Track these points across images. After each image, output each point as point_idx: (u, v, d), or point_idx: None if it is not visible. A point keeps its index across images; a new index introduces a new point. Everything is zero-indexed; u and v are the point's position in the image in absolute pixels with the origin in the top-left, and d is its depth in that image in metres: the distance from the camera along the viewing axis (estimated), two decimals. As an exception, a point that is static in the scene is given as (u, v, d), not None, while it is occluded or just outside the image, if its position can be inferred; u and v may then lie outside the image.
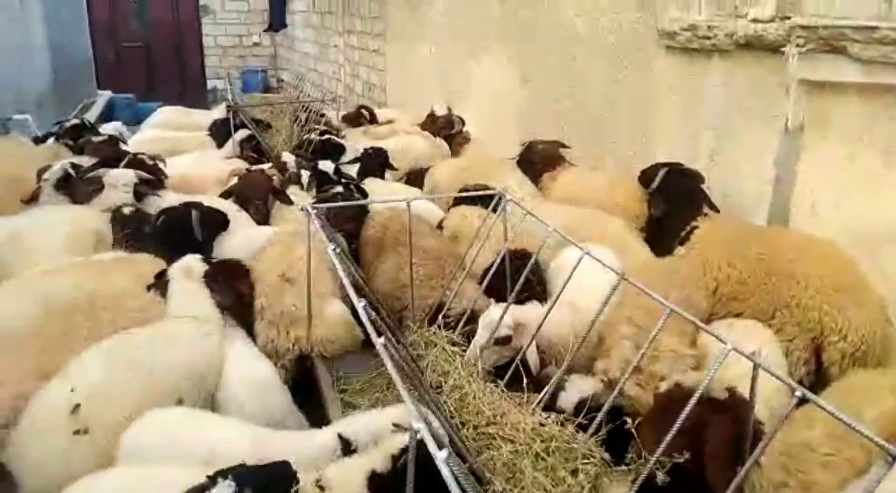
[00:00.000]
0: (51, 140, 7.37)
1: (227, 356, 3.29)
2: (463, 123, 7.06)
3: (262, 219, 5.06)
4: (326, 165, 5.75)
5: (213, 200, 4.89)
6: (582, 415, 2.78)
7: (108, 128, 7.77)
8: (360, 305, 2.37)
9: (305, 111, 7.75)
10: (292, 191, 5.35)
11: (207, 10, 18.32)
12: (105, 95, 14.93)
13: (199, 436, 2.74)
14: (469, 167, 5.55)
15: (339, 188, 5.01)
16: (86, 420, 2.80)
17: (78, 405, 2.81)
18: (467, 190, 4.70)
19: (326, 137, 6.99)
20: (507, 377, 3.12)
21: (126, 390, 2.94)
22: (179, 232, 4.31)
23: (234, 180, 5.39)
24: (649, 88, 5.07)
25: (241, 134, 7.20)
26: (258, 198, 5.09)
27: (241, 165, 6.16)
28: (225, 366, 3.25)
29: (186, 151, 7.14)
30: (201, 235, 4.34)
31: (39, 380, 2.97)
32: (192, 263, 3.67)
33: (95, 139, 6.73)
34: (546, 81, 6.34)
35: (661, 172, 4.29)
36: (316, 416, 3.43)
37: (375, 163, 6.23)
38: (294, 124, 7.91)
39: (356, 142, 7.53)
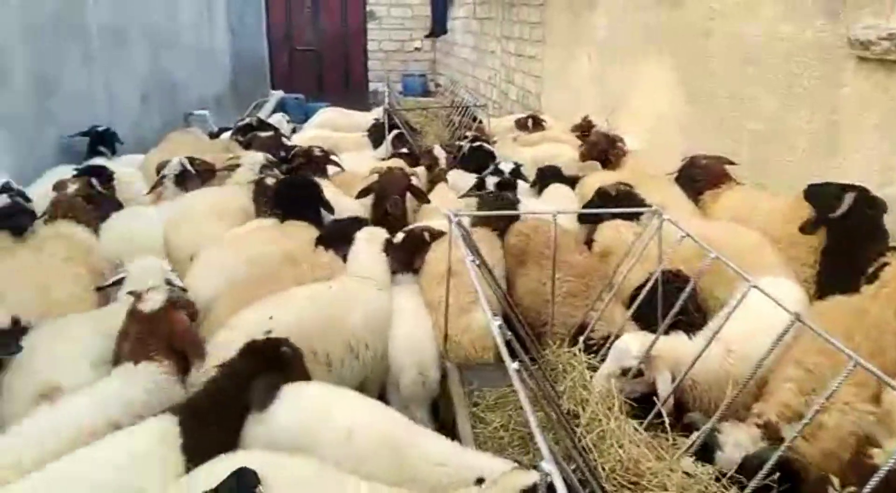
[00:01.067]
0: (225, 135, 7.95)
1: (393, 313, 3.89)
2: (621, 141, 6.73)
3: (400, 215, 5.14)
4: (506, 166, 5.79)
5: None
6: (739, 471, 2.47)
7: (273, 118, 8.28)
8: (494, 324, 2.24)
9: (460, 115, 7.77)
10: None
11: (374, 15, 19.08)
12: (277, 95, 15.93)
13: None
14: (623, 180, 5.26)
15: (491, 187, 5.04)
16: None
17: (270, 332, 3.13)
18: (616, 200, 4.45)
19: (477, 143, 6.97)
20: (648, 419, 2.85)
21: (320, 331, 3.46)
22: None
23: (374, 178, 5.45)
24: (835, 104, 4.54)
25: (395, 133, 7.39)
26: (395, 193, 5.14)
27: (394, 163, 6.28)
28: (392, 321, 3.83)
29: (345, 150, 7.39)
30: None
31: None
32: (377, 231, 4.34)
33: (262, 135, 7.14)
34: (713, 93, 5.89)
35: (848, 198, 3.80)
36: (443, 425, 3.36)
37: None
38: (446, 128, 7.96)
39: (506, 148, 7.47)
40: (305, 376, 3.00)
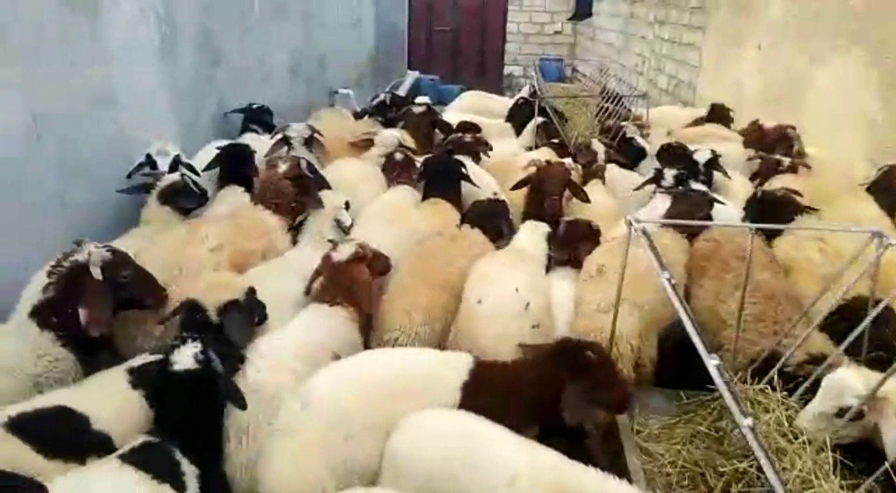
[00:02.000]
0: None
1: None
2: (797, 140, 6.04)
3: (557, 212, 4.78)
4: (701, 155, 5.44)
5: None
6: None
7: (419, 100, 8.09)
8: (712, 363, 1.91)
9: (614, 103, 7.29)
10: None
11: (515, -4, 18.66)
12: (412, 75, 15.92)
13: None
14: (805, 189, 4.67)
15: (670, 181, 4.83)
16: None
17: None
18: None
19: (629, 137, 6.51)
20: (869, 481, 2.41)
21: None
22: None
23: (532, 170, 5.13)
24: None
25: (538, 120, 7.03)
26: (554, 190, 4.81)
27: (546, 154, 5.95)
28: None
29: (487, 137, 7.13)
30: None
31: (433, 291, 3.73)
32: (540, 224, 4.42)
33: (415, 110, 6.95)
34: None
35: None
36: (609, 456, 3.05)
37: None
38: (596, 117, 7.51)
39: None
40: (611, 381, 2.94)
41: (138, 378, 2.77)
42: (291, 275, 3.74)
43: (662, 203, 4.44)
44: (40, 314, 2.94)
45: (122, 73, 4.71)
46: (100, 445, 2.47)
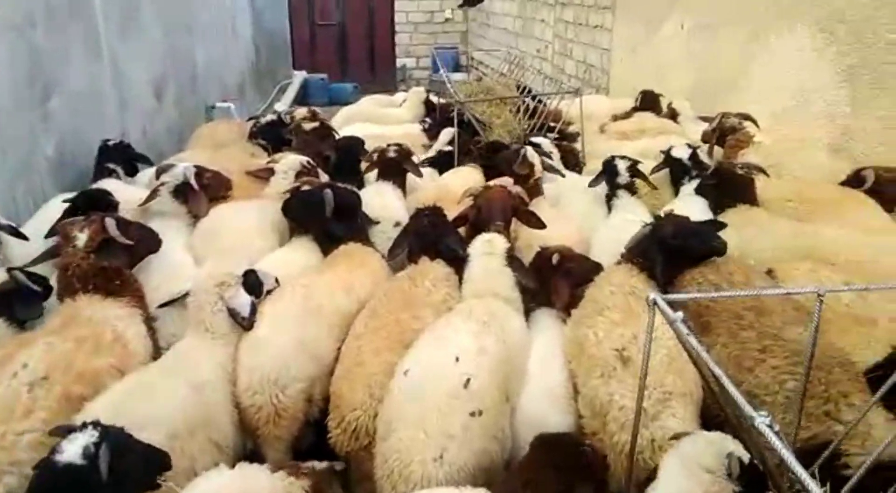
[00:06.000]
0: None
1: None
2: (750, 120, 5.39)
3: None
4: (681, 152, 4.78)
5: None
6: None
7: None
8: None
9: (541, 102, 6.45)
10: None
11: (402, -18, 17.61)
12: (300, 76, 14.67)
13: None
14: (797, 197, 3.99)
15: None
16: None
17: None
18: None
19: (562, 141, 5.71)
20: None
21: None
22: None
23: (468, 201, 4.18)
24: None
25: (447, 135, 6.05)
26: (497, 220, 3.89)
27: (474, 176, 5.02)
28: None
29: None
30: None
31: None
32: (496, 240, 3.49)
33: (307, 127, 5.77)
34: (882, 73, 4.55)
35: None
36: None
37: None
38: (516, 119, 6.65)
39: (598, 142, 6.18)
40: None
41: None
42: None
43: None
44: None
45: None
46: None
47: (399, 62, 18.05)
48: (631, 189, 4.60)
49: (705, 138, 5.54)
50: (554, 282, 3.50)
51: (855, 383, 2.59)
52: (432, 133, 6.61)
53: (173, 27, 7.39)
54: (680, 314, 2.01)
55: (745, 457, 1.88)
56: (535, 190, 4.72)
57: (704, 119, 6.03)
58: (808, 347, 2.23)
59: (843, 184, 4.30)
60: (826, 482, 2.34)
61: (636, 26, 8.37)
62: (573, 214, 4.62)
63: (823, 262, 3.43)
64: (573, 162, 5.93)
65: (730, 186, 4.22)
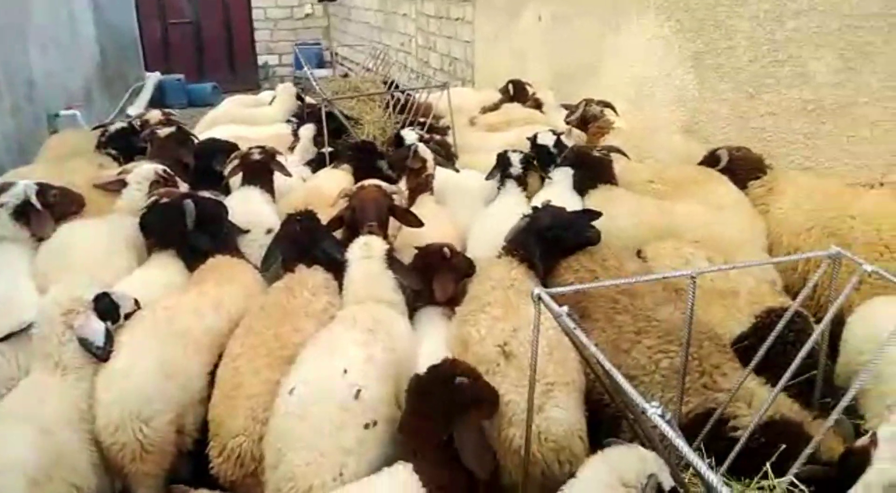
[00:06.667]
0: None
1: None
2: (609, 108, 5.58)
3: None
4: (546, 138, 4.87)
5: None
6: None
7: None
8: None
9: (409, 97, 6.37)
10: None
11: (257, -21, 16.98)
12: (153, 78, 13.83)
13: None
14: (657, 179, 4.16)
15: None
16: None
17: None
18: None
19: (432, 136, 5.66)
20: None
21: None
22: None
23: (343, 203, 4.04)
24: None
25: (309, 130, 5.87)
26: (372, 219, 3.79)
27: (343, 178, 4.87)
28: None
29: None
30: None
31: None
32: (374, 242, 3.39)
33: (160, 133, 5.34)
34: (731, 61, 4.84)
35: None
36: None
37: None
38: (387, 116, 6.56)
39: (467, 135, 6.20)
40: None
41: None
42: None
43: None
44: None
45: None
46: None
47: (261, 60, 17.45)
48: (521, 181, 4.63)
49: (569, 125, 5.69)
50: (438, 277, 3.47)
51: (724, 355, 2.72)
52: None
53: (2, 29, 6.69)
54: (565, 309, 2.00)
55: (667, 484, 1.90)
56: (426, 186, 4.66)
57: (566, 107, 6.19)
58: (685, 327, 2.30)
59: (700, 164, 4.53)
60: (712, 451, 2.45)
61: (496, 18, 8.48)
62: (456, 211, 4.59)
63: (686, 239, 3.59)
64: (446, 156, 5.93)
65: (589, 169, 4.38)
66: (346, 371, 2.59)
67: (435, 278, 3.47)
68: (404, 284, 3.39)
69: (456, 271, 3.54)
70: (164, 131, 5.30)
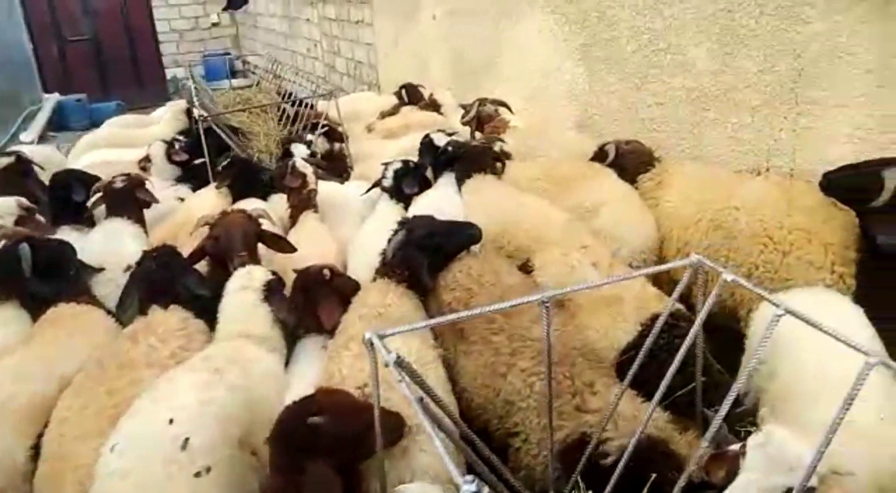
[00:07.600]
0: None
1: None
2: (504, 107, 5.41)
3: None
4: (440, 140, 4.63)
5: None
6: None
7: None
8: None
9: (299, 106, 6.08)
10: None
11: (156, -10, 16.30)
12: (52, 99, 13.10)
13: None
14: (544, 176, 3.99)
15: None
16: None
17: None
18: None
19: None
20: None
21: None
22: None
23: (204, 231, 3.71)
24: (816, 54, 3.48)
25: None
26: (241, 250, 3.47)
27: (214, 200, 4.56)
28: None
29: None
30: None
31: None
32: (255, 271, 3.20)
33: None
34: (616, 52, 4.71)
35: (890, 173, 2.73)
36: None
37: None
38: (280, 127, 6.26)
39: (362, 143, 5.96)
40: None
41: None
42: None
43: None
44: None
45: None
46: None
47: (169, 73, 16.75)
48: (394, 193, 4.40)
49: (465, 125, 5.50)
50: (323, 303, 3.21)
51: (598, 370, 2.56)
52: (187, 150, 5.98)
53: None
54: (394, 355, 1.77)
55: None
56: (309, 202, 4.38)
57: (464, 107, 6.01)
58: (544, 353, 2.10)
59: (591, 160, 4.39)
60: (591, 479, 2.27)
61: (394, 19, 8.24)
62: (337, 227, 4.35)
63: (573, 246, 3.42)
64: (341, 167, 5.68)
65: (463, 160, 4.25)
66: (171, 421, 2.31)
67: (320, 305, 3.22)
68: (279, 317, 3.13)
69: (340, 293, 3.29)
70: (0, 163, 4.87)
